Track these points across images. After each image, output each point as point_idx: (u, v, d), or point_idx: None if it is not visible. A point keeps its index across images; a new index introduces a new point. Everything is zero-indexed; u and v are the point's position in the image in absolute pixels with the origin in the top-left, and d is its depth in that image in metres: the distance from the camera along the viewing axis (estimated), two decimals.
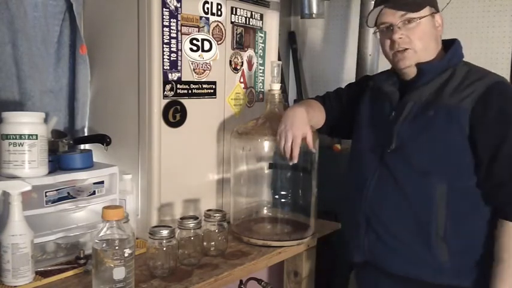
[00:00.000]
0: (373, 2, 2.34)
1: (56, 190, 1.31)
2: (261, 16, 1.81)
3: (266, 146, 1.63)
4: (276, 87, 1.60)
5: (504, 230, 1.27)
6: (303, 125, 1.45)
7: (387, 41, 1.39)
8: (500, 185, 1.28)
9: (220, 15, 1.64)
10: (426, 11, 1.36)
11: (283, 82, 2.53)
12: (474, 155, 1.29)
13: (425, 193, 1.31)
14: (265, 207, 1.78)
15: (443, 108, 1.31)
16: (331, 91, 1.68)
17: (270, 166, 1.71)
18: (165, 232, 1.30)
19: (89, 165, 1.42)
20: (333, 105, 1.62)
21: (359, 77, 2.38)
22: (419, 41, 1.35)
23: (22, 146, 1.25)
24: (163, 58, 1.47)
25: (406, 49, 1.36)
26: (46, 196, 1.28)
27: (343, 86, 1.70)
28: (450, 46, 1.41)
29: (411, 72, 1.40)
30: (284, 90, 2.75)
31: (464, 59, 1.43)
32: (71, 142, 1.54)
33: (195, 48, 1.56)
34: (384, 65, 1.58)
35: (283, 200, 1.72)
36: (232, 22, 1.69)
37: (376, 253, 1.41)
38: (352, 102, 1.58)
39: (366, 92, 1.55)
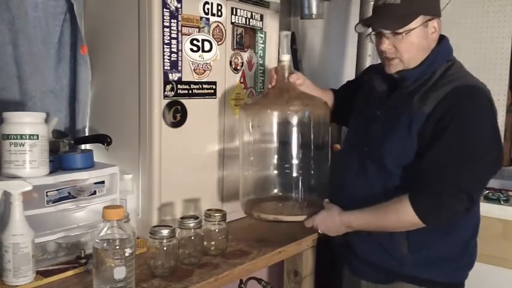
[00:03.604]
0: (372, 3, 2.36)
1: (57, 190, 1.31)
2: (261, 17, 1.81)
3: (276, 118, 1.57)
4: (286, 58, 1.55)
5: (400, 200, 1.33)
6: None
7: (377, 46, 1.43)
8: (424, 173, 1.32)
9: (221, 16, 1.64)
10: (417, 21, 1.35)
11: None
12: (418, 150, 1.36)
13: (391, 193, 1.37)
14: (275, 186, 1.66)
15: (409, 112, 1.36)
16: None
17: (281, 143, 1.62)
18: (165, 232, 1.30)
19: (90, 165, 1.42)
20: (340, 93, 1.72)
21: None
22: (405, 53, 1.38)
23: (23, 146, 1.25)
24: (163, 58, 1.48)
25: (393, 58, 1.40)
26: (47, 196, 1.29)
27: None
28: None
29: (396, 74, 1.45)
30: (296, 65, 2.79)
31: (462, 59, 1.45)
32: (72, 142, 1.54)
33: (195, 48, 1.57)
34: None
35: (295, 178, 1.61)
36: (232, 23, 1.69)
37: (349, 238, 1.50)
38: (352, 93, 1.65)
39: (363, 85, 1.61)
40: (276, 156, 1.64)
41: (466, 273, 1.48)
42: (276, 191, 1.65)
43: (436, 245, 1.40)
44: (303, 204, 1.58)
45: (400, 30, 1.35)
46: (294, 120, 1.55)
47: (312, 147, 1.59)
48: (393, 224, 1.36)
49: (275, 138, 1.62)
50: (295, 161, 1.58)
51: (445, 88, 1.34)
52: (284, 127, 1.58)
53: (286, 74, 1.55)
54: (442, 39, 1.44)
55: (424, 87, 1.38)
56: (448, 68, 1.40)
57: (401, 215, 1.33)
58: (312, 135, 1.55)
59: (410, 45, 1.36)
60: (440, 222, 1.35)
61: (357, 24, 1.47)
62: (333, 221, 1.47)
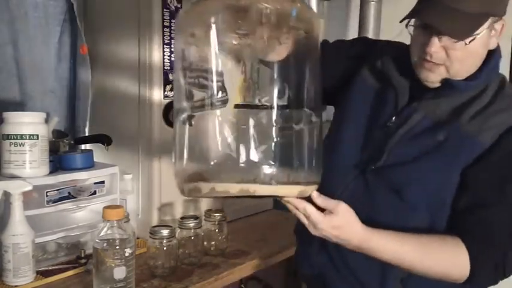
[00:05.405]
0: (373, 3, 2.36)
1: (57, 190, 1.31)
2: None
3: (237, 26, 0.92)
4: None
5: (454, 243, 1.00)
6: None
7: (419, 42, 1.01)
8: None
9: None
10: (486, 25, 0.97)
11: None
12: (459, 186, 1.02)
13: (401, 229, 1.02)
14: (234, 149, 1.00)
15: (458, 135, 1.02)
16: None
17: (245, 70, 0.99)
18: (165, 232, 1.30)
19: (90, 165, 1.42)
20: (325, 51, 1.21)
21: None
22: (458, 63, 1.00)
23: (23, 146, 1.25)
24: (163, 58, 1.48)
25: (439, 64, 1.01)
26: (47, 196, 1.29)
27: None
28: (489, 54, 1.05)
29: (433, 84, 1.05)
30: None
31: None
32: (72, 142, 1.54)
33: None
34: None
35: (273, 137, 0.93)
36: None
37: (327, 276, 1.17)
38: (342, 64, 1.23)
39: (363, 66, 1.18)
40: (235, 93, 0.99)
41: None
42: (236, 158, 0.94)
43: None
44: (289, 172, 0.93)
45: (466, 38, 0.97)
46: (272, 23, 0.90)
47: (303, 82, 0.96)
48: (442, 268, 1.01)
49: (235, 62, 0.97)
50: (274, 104, 0.92)
51: (508, 116, 1.01)
52: (253, 43, 0.94)
53: None
54: (495, 49, 1.06)
55: (475, 105, 1.03)
56: (501, 86, 1.06)
57: (456, 260, 1.00)
58: (302, 59, 0.96)
59: (469, 55, 1.00)
60: (486, 285, 1.05)
61: (409, 17, 1.00)
62: (351, 236, 0.99)
